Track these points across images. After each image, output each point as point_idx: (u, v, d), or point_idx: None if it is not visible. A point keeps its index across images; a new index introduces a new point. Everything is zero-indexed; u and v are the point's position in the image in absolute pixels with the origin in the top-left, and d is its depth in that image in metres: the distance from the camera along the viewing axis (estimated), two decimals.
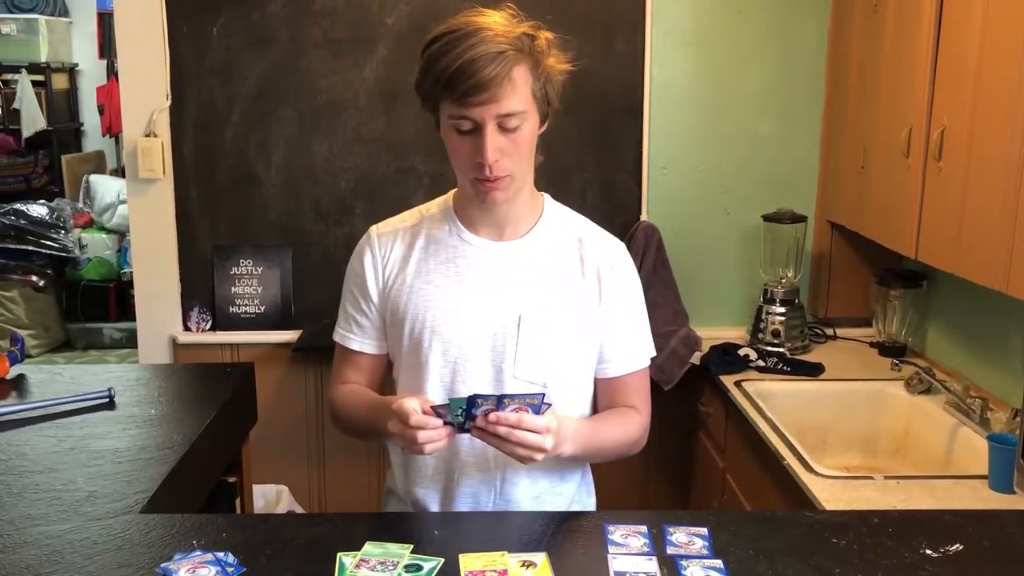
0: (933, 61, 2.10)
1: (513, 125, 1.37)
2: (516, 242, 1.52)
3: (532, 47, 1.38)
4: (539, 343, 1.48)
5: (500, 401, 1.31)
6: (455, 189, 1.56)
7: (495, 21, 1.37)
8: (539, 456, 1.33)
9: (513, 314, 1.48)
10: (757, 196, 2.91)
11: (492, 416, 1.31)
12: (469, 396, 1.31)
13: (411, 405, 1.32)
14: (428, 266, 1.52)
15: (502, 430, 1.31)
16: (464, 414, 1.31)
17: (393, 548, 1.26)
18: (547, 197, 1.58)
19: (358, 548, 1.25)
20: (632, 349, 1.56)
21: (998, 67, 1.84)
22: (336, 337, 1.61)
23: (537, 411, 1.33)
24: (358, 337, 1.58)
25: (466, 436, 1.45)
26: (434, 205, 1.59)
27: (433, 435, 1.32)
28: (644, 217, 2.91)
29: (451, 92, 1.35)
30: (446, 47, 1.34)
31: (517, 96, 1.36)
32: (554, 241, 1.53)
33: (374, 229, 1.59)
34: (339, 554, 1.24)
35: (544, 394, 1.34)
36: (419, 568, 1.22)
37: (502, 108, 1.35)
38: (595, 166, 2.89)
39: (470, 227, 1.52)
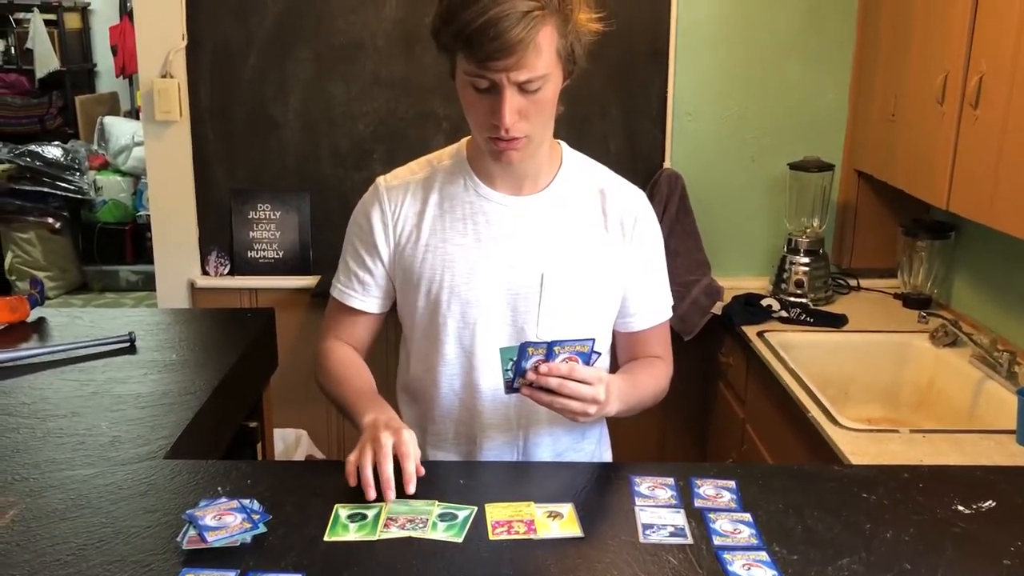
0: (973, 4, 2.03)
1: (534, 88, 1.27)
2: (536, 196, 1.45)
3: (562, 2, 1.26)
4: (563, 302, 1.43)
5: (550, 349, 1.28)
6: (467, 138, 1.48)
7: None
8: (592, 410, 1.30)
9: (535, 273, 1.42)
10: (783, 144, 2.85)
11: (543, 368, 1.27)
12: (520, 344, 1.27)
13: (408, 449, 1.25)
14: (444, 223, 1.44)
15: (554, 382, 1.27)
16: (514, 367, 1.28)
17: (419, 505, 1.23)
18: (564, 146, 1.50)
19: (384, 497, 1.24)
20: (657, 301, 1.54)
21: None
22: (334, 293, 1.53)
23: (587, 360, 1.30)
24: (359, 295, 1.51)
25: (488, 397, 1.44)
26: (446, 155, 1.50)
27: (370, 479, 1.22)
28: (667, 164, 2.86)
29: (471, 51, 1.24)
30: None
31: (542, 60, 1.25)
32: (575, 194, 1.47)
33: (382, 181, 1.49)
34: (336, 506, 1.23)
35: (594, 340, 1.30)
36: (454, 517, 1.21)
37: (524, 74, 1.25)
38: (618, 112, 2.84)
39: (486, 181, 1.44)
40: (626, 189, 1.51)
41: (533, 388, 1.29)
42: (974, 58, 2.03)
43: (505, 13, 1.20)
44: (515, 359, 1.28)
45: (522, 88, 1.27)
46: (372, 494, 1.23)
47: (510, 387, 1.31)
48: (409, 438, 1.28)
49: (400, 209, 1.46)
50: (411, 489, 1.25)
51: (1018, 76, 1.85)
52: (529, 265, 1.43)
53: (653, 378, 1.51)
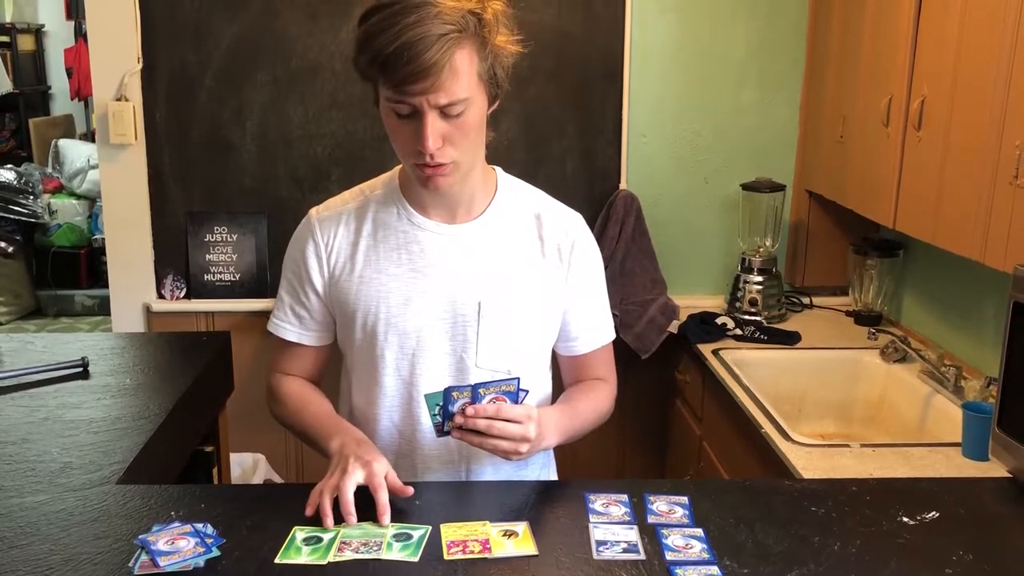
0: (914, 31, 2.09)
1: (456, 112, 1.27)
2: (471, 224, 1.44)
3: (479, 26, 1.26)
4: (501, 329, 1.42)
5: (475, 392, 1.29)
6: (399, 166, 1.46)
7: None
8: (524, 448, 1.30)
9: (472, 301, 1.41)
10: (736, 165, 2.91)
11: (469, 410, 1.27)
12: (444, 389, 1.28)
13: (380, 480, 1.26)
14: (378, 253, 1.43)
15: (482, 423, 1.27)
16: (441, 411, 1.29)
17: (373, 528, 1.23)
18: (500, 171, 1.49)
19: (342, 519, 1.24)
20: (599, 324, 1.54)
21: (979, 37, 1.83)
22: (270, 327, 1.52)
23: (515, 399, 1.31)
24: (296, 329, 1.50)
25: (429, 429, 1.41)
26: (378, 184, 1.48)
27: (328, 508, 1.23)
28: (623, 186, 2.90)
29: (387, 76, 1.24)
30: (383, 23, 1.22)
31: (460, 83, 1.25)
32: (511, 220, 1.46)
33: (314, 212, 1.49)
34: (294, 528, 1.23)
35: (519, 379, 1.31)
36: (409, 537, 1.21)
37: (442, 97, 1.24)
38: (575, 133, 2.87)
39: (420, 209, 1.43)
40: (562, 213, 1.50)
41: (463, 431, 1.29)
42: (916, 82, 2.09)
43: (419, 37, 1.20)
44: (441, 404, 1.28)
45: (444, 112, 1.27)
46: (329, 523, 1.22)
47: (440, 431, 1.31)
48: (380, 468, 1.28)
49: (333, 241, 1.45)
50: (386, 520, 1.24)
51: (957, 99, 1.91)
52: (466, 293, 1.42)
53: (594, 403, 1.51)
